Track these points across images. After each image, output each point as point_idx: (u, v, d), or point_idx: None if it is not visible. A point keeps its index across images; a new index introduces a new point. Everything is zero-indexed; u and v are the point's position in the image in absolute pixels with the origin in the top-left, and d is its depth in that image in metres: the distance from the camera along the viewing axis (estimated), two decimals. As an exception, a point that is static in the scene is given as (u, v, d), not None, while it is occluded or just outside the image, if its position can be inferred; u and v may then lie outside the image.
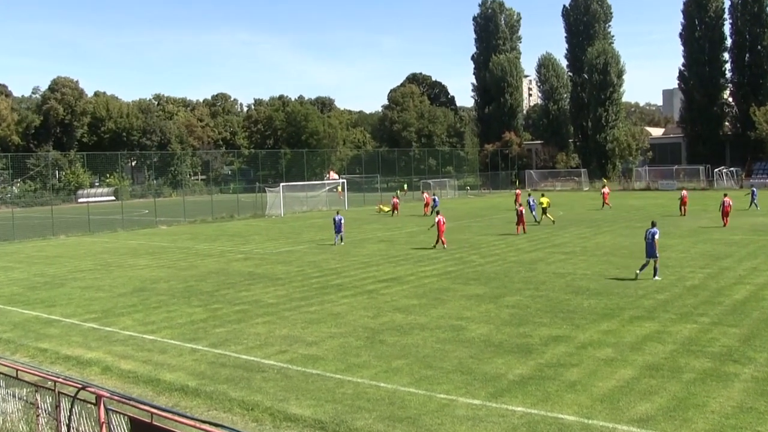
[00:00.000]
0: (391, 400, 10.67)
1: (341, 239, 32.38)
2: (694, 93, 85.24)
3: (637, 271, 20.48)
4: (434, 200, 49.56)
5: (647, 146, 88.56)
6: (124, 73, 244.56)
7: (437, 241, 29.53)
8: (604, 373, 11.55)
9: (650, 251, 20.22)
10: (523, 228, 34.14)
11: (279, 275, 23.35)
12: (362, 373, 12.02)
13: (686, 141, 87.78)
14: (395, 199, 52.34)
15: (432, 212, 47.28)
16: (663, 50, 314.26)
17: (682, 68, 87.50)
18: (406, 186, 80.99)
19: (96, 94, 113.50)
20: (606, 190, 52.00)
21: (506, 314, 16.21)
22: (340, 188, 67.84)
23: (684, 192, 43.76)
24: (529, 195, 43.11)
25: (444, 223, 29.81)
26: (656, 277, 20.01)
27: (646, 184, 79.28)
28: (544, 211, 39.26)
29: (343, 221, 32.87)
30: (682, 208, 41.70)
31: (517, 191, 55.16)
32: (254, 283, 21.96)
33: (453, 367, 12.15)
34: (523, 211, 34.47)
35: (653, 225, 20.68)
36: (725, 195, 36.06)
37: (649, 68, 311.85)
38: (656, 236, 20.20)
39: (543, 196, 41.02)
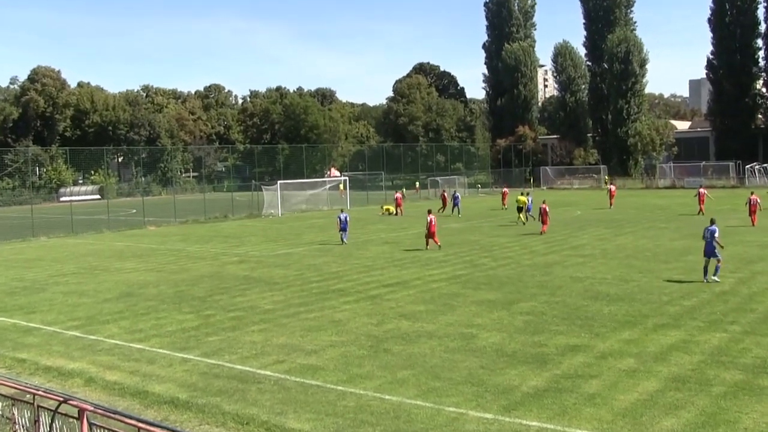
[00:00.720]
0: (396, 414, 10.66)
1: (345, 239, 32.97)
2: (723, 83, 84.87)
3: (705, 279, 20.23)
4: (455, 197, 49.52)
5: (672, 141, 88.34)
6: (109, 62, 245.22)
7: (436, 242, 30.01)
8: (626, 386, 11.51)
9: (709, 250, 20.33)
10: (543, 227, 34.44)
11: (276, 279, 23.37)
12: (365, 385, 12.01)
13: (715, 135, 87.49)
14: (398, 195, 52.50)
15: (454, 209, 47.60)
16: (689, 37, 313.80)
17: (711, 56, 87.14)
18: (418, 184, 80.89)
19: (79, 84, 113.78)
20: (612, 188, 52.67)
21: (520, 321, 16.18)
22: (341, 186, 67.83)
23: (702, 189, 44.17)
24: (528, 194, 43.65)
25: (435, 223, 30.24)
26: (714, 278, 20.08)
27: (671, 181, 79.14)
28: (519, 209, 39.50)
29: (348, 219, 33.51)
30: (701, 206, 42.60)
31: (504, 190, 55.23)
32: (250, 287, 21.97)
33: (463, 379, 12.13)
34: (547, 209, 34.63)
35: (712, 223, 20.93)
36: (752, 193, 36.60)
37: (675, 57, 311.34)
38: (716, 234, 20.29)
39: (521, 195, 41.43)
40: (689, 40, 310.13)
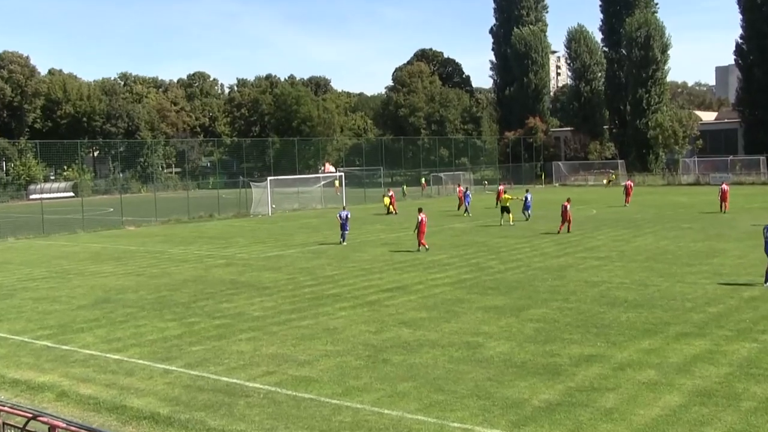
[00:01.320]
0: (396, 429, 10.66)
1: (344, 238, 33.63)
2: (753, 70, 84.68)
3: (765, 284, 20.05)
4: (465, 195, 49.56)
5: (696, 133, 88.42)
6: (84, 48, 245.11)
7: (423, 244, 30.28)
8: (646, 400, 11.51)
9: None
10: (568, 227, 34.81)
11: (266, 284, 23.39)
12: (363, 398, 12.01)
13: (744, 127, 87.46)
14: (391, 192, 52.76)
15: (464, 209, 47.73)
16: (716, 20, 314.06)
17: (740, 41, 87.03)
18: (424, 180, 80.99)
19: (50, 72, 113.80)
20: (630, 183, 53.47)
21: (530, 329, 16.19)
22: (337, 183, 67.86)
23: (724, 185, 44.32)
24: (527, 191, 43.88)
25: (425, 223, 30.50)
26: (767, 284, 19.98)
27: (696, 177, 79.23)
28: (506, 210, 39.72)
29: (349, 217, 34.26)
30: (723, 204, 42.92)
31: (500, 187, 55.40)
32: (237, 293, 21.98)
33: (468, 391, 12.13)
34: (568, 207, 34.85)
35: None
36: None
37: (700, 41, 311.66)
38: None
39: (506, 194, 41.98)
40: (716, 23, 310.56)
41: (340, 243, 33.21)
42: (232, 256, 30.71)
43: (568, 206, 35.10)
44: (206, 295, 21.68)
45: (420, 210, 31.39)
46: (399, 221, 45.02)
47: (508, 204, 39.91)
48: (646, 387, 12.10)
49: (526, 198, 41.90)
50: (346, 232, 33.80)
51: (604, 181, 79.07)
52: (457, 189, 55.50)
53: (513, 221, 39.46)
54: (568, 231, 34.52)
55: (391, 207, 51.08)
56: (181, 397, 12.46)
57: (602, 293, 19.99)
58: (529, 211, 41.66)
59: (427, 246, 30.13)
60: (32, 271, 28.14)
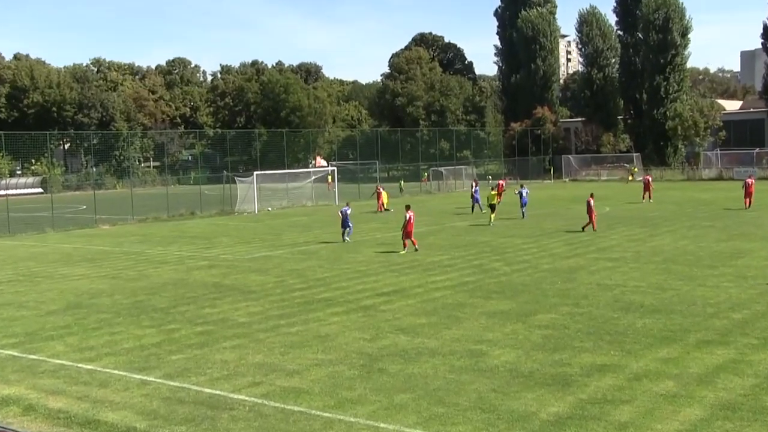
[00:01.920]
0: (393, 446, 10.66)
1: (347, 235, 34.41)
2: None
3: None
4: (474, 191, 49.50)
5: (719, 124, 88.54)
6: (53, 31, 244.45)
7: (413, 243, 30.57)
8: (665, 413, 11.52)
9: None
10: (584, 225, 35.09)
11: (252, 287, 23.40)
12: (357, 411, 12.02)
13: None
14: (380, 189, 52.89)
15: (472, 207, 47.73)
16: (742, 0, 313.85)
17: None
18: (426, 174, 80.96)
19: (16, 57, 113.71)
20: (648, 178, 54.05)
21: (538, 336, 16.20)
22: (330, 178, 67.89)
23: (749, 179, 44.48)
24: (522, 186, 44.02)
25: (413, 222, 30.71)
26: None
27: (718, 172, 79.32)
28: (492, 208, 39.82)
29: (349, 213, 35.02)
30: (747, 199, 43.30)
31: (500, 182, 55.50)
32: (221, 297, 21.98)
33: (471, 404, 12.14)
34: (592, 203, 34.96)
35: None
36: None
37: (723, 24, 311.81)
38: None
39: (493, 190, 42.50)
40: (741, 4, 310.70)
41: (343, 241, 33.90)
42: (215, 258, 30.71)
43: (592, 202, 35.17)
44: (187, 300, 21.67)
45: (408, 207, 31.50)
46: (397, 220, 45.04)
47: (494, 201, 39.99)
48: (664, 399, 12.11)
49: (522, 194, 41.92)
50: (348, 229, 34.40)
51: (629, 177, 78.49)
52: (473, 184, 55.28)
53: (492, 222, 39.31)
54: (583, 230, 34.61)
55: (381, 203, 51.05)
56: (160, 410, 12.45)
57: (616, 297, 20.01)
58: (524, 209, 41.78)
59: (404, 249, 30.27)
60: (-2, 274, 28.12)
